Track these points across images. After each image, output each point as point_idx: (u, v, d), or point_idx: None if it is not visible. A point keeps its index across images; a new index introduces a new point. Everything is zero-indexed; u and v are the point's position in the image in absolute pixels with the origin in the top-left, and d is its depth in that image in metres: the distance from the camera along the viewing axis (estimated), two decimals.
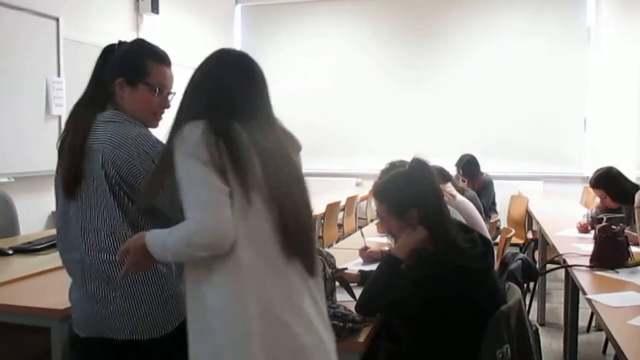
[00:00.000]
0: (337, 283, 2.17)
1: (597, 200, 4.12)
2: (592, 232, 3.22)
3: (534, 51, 7.35)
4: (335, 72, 8.06)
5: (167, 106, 1.80)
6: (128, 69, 1.73)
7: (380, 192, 2.13)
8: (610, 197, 3.80)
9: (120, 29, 5.98)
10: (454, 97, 7.61)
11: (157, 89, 1.76)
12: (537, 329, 2.40)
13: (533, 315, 4.56)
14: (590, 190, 4.21)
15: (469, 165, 5.48)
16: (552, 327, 4.41)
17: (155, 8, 6.23)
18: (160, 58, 1.78)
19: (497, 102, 7.47)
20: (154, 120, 1.79)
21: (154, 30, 6.35)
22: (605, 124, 6.92)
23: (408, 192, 2.05)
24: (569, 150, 7.31)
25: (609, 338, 1.91)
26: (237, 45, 8.32)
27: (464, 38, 7.62)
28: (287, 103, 7.71)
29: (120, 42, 1.80)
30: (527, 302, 4.69)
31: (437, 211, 2.04)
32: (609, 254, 2.80)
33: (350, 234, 5.42)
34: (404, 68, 7.81)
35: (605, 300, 2.25)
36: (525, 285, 4.72)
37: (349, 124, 7.99)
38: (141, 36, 6.24)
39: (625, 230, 3.00)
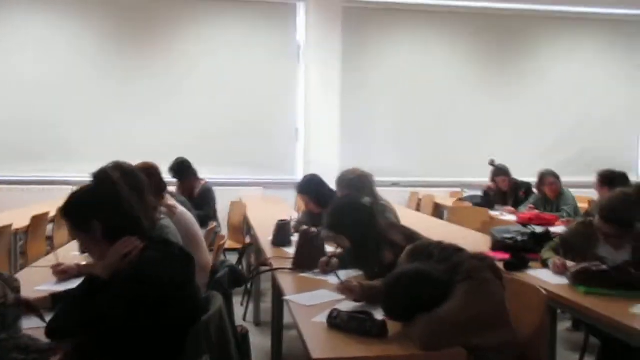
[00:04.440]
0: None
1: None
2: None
3: (252, 65, 7.76)
4: (46, 67, 7.36)
5: None
6: None
7: (62, 208, 1.99)
8: (313, 202, 4.17)
9: None
10: (176, 103, 7.61)
11: None
12: (246, 333, 2.48)
13: (250, 317, 4.76)
14: None
15: (177, 166, 5.47)
16: (267, 326, 4.65)
17: None
18: None
19: (218, 111, 7.70)
20: None
21: None
22: (314, 134, 7.65)
23: (87, 205, 1.97)
24: (284, 158, 7.90)
25: (299, 334, 2.07)
26: None
27: (185, 45, 7.66)
28: None
29: None
30: (245, 305, 4.89)
31: (123, 221, 1.97)
32: (307, 257, 3.05)
33: (62, 247, 4.96)
34: (121, 69, 7.55)
35: (300, 299, 2.45)
36: (244, 287, 4.94)
37: (61, 125, 7.37)
38: None
39: (322, 233, 3.31)
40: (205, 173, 5.85)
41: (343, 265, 2.99)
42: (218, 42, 7.72)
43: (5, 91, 7.26)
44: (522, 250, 3.31)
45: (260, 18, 7.81)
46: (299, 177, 7.65)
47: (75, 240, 2.58)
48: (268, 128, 7.83)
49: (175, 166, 5.44)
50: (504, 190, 6.40)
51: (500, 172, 6.44)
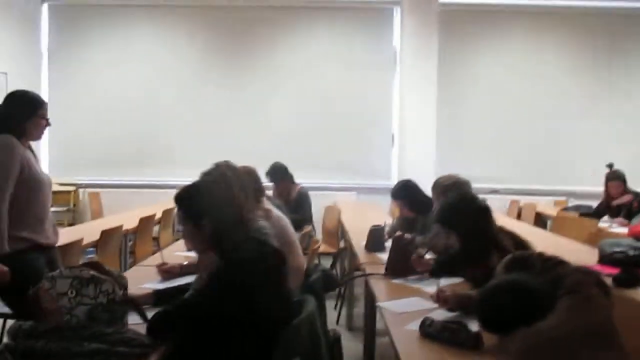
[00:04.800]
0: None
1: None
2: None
3: (348, 70, 7.82)
4: (152, 79, 7.82)
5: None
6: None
7: (179, 196, 2.07)
8: (407, 208, 4.12)
9: None
10: (273, 110, 7.81)
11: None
12: (338, 337, 2.47)
13: (343, 321, 4.77)
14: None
15: (274, 170, 5.58)
16: (360, 331, 4.63)
17: None
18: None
19: (314, 117, 7.82)
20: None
21: None
22: (409, 139, 7.57)
23: (203, 200, 2.03)
24: (379, 164, 7.87)
25: (390, 341, 2.04)
26: (43, 46, 7.67)
27: (282, 53, 7.85)
28: (99, 110, 7.44)
29: None
30: (338, 309, 4.90)
31: (230, 221, 2.02)
32: (400, 263, 3.01)
33: (167, 247, 5.22)
34: (221, 78, 7.87)
35: (393, 306, 2.42)
36: (338, 291, 4.96)
37: (166, 133, 7.81)
38: None
39: (417, 239, 3.26)
40: (300, 178, 5.95)
41: (439, 272, 2.89)
42: (314, 50, 7.85)
43: (117, 104, 7.76)
44: (634, 266, 3.08)
45: (356, 24, 7.85)
46: (393, 182, 7.56)
47: (181, 230, 2.71)
48: (363, 133, 7.85)
49: (272, 170, 5.57)
50: (614, 197, 5.93)
51: (615, 175, 5.90)
